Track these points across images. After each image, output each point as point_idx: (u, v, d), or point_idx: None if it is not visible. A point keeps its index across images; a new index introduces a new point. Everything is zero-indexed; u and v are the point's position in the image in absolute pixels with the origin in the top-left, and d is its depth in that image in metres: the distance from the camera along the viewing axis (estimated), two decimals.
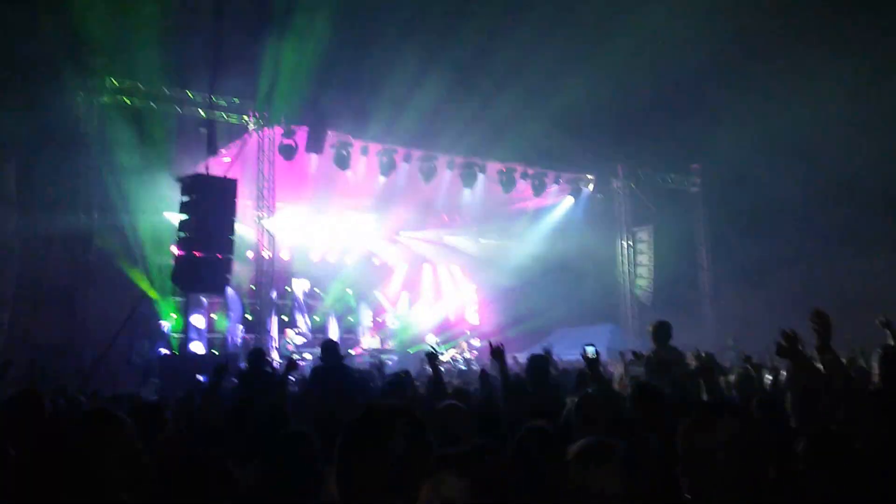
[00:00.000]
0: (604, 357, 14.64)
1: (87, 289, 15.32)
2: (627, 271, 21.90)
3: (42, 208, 14.88)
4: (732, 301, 22.26)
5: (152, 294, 16.51)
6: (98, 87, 14.99)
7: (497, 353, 6.58)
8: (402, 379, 7.43)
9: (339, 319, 20.05)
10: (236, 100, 16.09)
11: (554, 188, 20.72)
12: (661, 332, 7.58)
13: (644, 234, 21.93)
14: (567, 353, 14.56)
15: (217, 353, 17.17)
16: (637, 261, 21.96)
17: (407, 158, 17.84)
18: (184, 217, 14.68)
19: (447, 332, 20.98)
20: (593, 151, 19.15)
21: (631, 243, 21.97)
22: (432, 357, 6.70)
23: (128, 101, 15.34)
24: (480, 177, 18.90)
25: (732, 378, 6.62)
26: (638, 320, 21.42)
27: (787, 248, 20.52)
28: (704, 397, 4.89)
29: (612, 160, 20.96)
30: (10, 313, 14.85)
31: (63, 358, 14.51)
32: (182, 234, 14.71)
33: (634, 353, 10.86)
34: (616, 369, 12.30)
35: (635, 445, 3.99)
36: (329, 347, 8.17)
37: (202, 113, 15.90)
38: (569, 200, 21.52)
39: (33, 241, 14.99)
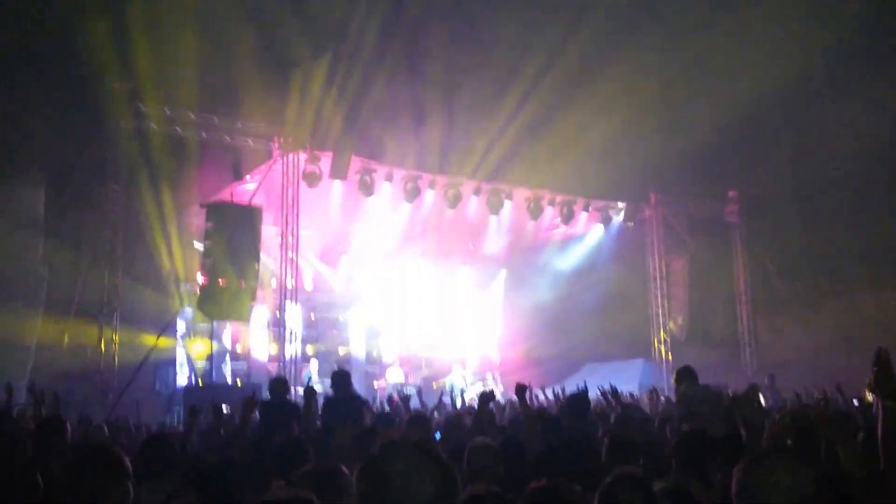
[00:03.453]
0: (636, 393, 14.20)
1: (112, 315, 15.26)
2: (660, 304, 21.23)
3: (70, 233, 14.97)
4: (772, 336, 21.53)
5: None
6: (125, 113, 15.07)
7: (519, 390, 6.58)
8: (425, 416, 7.26)
9: (365, 352, 19.80)
10: (261, 125, 16.06)
11: (583, 216, 20.29)
12: (685, 375, 7.47)
13: (678, 265, 21.30)
14: (595, 389, 14.19)
15: (240, 382, 16.98)
16: (671, 293, 21.30)
17: (432, 184, 17.62)
18: (208, 244, 14.67)
19: (472, 365, 20.53)
20: (624, 177, 18.69)
21: (664, 274, 21.34)
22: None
23: (154, 127, 15.39)
24: (507, 204, 18.58)
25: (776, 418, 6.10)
26: (672, 355, 20.72)
27: (832, 280, 19.75)
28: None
29: (643, 187, 20.46)
30: (37, 339, 14.86)
31: (88, 385, 14.46)
32: (207, 262, 14.69)
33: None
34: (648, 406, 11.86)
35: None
36: (339, 378, 7.98)
37: (228, 138, 15.93)
38: (598, 229, 21.03)
39: (61, 267, 15.05)
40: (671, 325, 21.15)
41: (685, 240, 21.06)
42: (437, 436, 6.92)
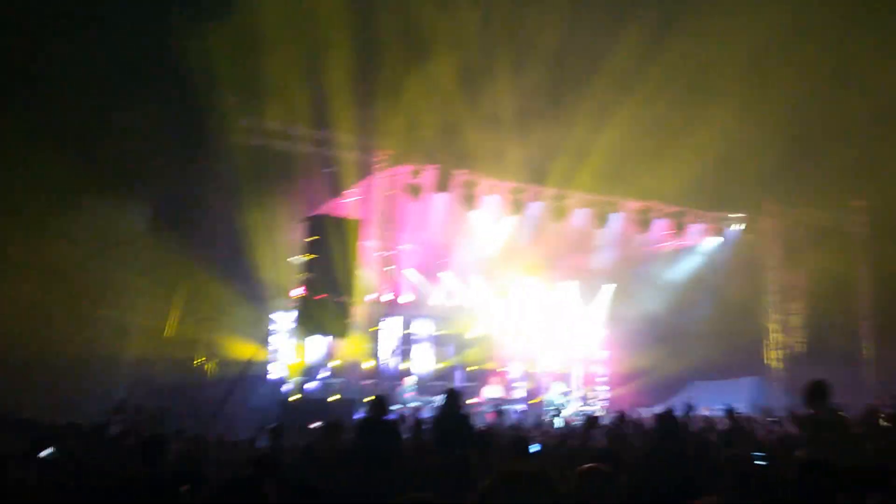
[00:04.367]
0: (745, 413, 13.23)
1: (210, 329, 15.25)
2: (778, 319, 20.00)
3: (172, 247, 14.99)
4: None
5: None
6: (229, 128, 15.00)
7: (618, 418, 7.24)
8: (526, 439, 7.00)
9: (463, 367, 19.27)
10: (363, 139, 15.78)
11: (695, 228, 19.33)
12: (817, 392, 6.57)
13: (797, 279, 20.10)
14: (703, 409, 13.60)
15: (339, 396, 16.72)
16: (789, 308, 20.07)
17: (536, 197, 16.98)
18: (307, 258, 14.42)
19: (575, 380, 19.76)
20: (739, 188, 17.63)
21: (782, 287, 20.13)
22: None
23: (257, 141, 15.28)
24: (614, 216, 17.76)
25: None
26: (789, 374, 19.51)
27: None
28: None
29: (760, 197, 19.31)
30: (135, 354, 14.97)
31: (184, 400, 14.46)
32: (304, 276, 14.45)
33: (794, 415, 9.64)
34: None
35: None
36: (453, 396, 7.83)
37: (329, 152, 15.69)
38: (712, 241, 20.04)
39: (162, 280, 15.10)
40: (789, 341, 19.97)
41: (806, 252, 19.81)
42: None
